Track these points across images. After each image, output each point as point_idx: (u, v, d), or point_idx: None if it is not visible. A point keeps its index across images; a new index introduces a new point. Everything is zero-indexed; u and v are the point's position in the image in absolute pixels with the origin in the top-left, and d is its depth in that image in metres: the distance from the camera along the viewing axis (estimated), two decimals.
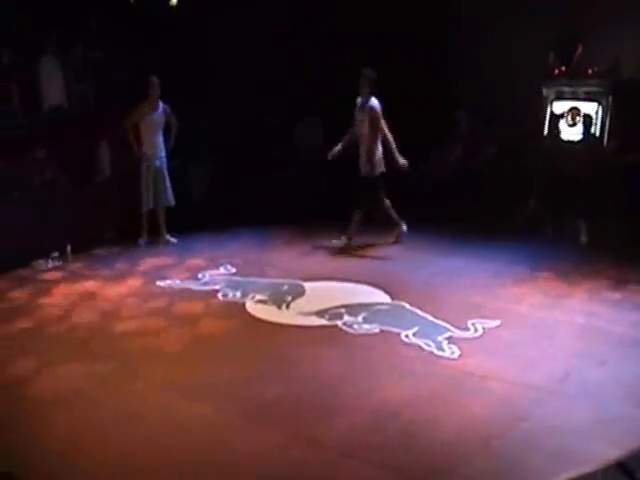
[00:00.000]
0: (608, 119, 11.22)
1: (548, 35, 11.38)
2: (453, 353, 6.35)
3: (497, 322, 6.95)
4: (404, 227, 9.62)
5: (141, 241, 10.04)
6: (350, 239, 9.52)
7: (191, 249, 9.74)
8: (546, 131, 11.60)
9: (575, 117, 11.43)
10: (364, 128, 9.30)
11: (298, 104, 11.60)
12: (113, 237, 10.14)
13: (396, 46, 11.76)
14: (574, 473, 4.57)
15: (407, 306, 7.43)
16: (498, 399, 5.56)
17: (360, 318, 7.15)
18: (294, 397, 5.68)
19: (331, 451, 4.93)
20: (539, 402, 5.52)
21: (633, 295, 7.68)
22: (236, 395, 5.73)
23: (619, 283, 8.00)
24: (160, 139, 9.90)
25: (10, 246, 8.66)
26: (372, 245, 9.66)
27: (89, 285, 8.40)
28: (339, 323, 7.08)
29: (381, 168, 9.36)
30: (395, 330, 6.84)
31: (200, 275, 8.61)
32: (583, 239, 9.77)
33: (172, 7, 12.44)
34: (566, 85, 11.58)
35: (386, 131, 9.37)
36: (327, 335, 6.88)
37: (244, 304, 7.70)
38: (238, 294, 7.97)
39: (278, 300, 7.76)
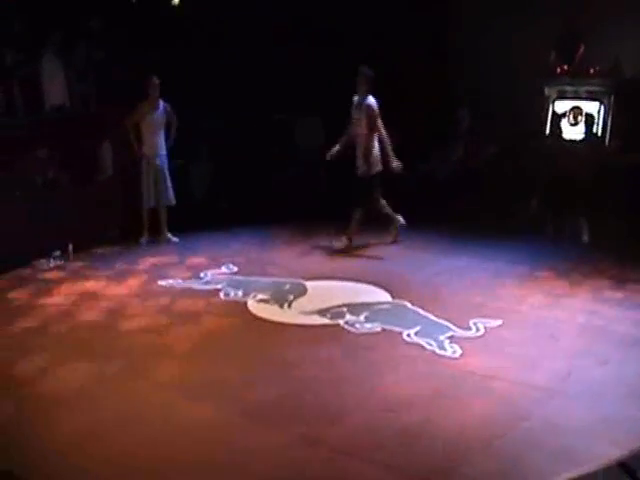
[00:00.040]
0: (610, 118, 11.22)
1: (550, 34, 11.38)
2: (455, 352, 6.35)
3: (499, 321, 6.96)
4: (401, 219, 9.57)
5: (142, 240, 10.05)
6: (351, 239, 9.51)
7: (193, 248, 9.75)
8: (548, 130, 11.60)
9: (577, 116, 11.43)
10: (361, 127, 9.26)
11: (299, 104, 11.60)
12: (115, 236, 10.15)
13: (397, 46, 11.77)
14: (575, 473, 4.57)
15: (409, 305, 7.43)
16: (499, 398, 5.56)
17: (362, 317, 7.15)
18: (295, 396, 5.69)
19: (332, 450, 4.93)
20: (540, 401, 5.52)
21: (635, 294, 7.67)
22: (237, 394, 5.74)
23: (620, 282, 7.99)
24: (161, 138, 9.92)
25: (12, 245, 8.67)
26: (373, 244, 9.66)
27: (91, 284, 8.41)
28: (341, 322, 7.08)
29: (378, 167, 9.32)
30: (397, 329, 6.85)
31: (202, 274, 8.62)
32: (584, 238, 9.77)
33: (174, 7, 12.46)
34: (568, 84, 11.58)
35: (382, 131, 9.30)
36: (329, 334, 6.88)
37: (246, 303, 7.70)
38: (240, 293, 7.97)
39: (280, 299, 7.77)
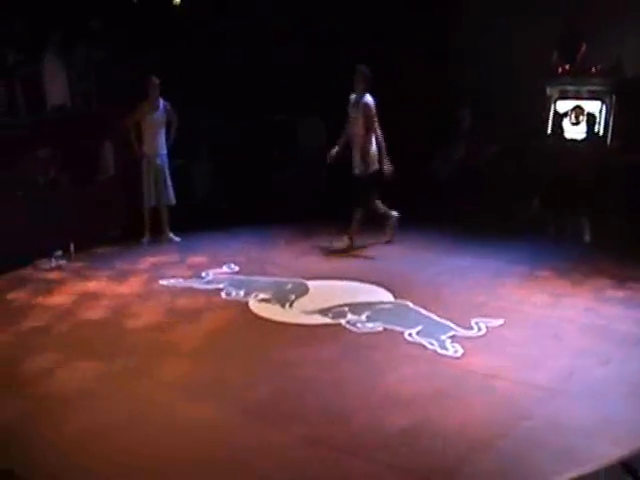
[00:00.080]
0: (612, 118, 11.21)
1: (551, 34, 11.37)
2: (456, 352, 6.35)
3: (500, 321, 6.95)
4: (395, 214, 9.55)
5: (144, 240, 10.06)
6: (352, 238, 9.50)
7: (194, 248, 9.75)
8: (549, 130, 11.59)
9: (579, 116, 11.42)
10: (358, 126, 9.22)
11: (300, 104, 11.60)
12: (116, 236, 10.16)
13: (397, 45, 11.76)
14: (577, 472, 4.57)
15: (410, 305, 7.43)
16: (501, 398, 5.56)
17: (364, 317, 7.15)
18: (297, 396, 5.69)
19: (334, 450, 4.93)
20: (542, 401, 5.52)
21: (636, 293, 7.66)
22: (239, 394, 5.74)
23: (622, 281, 7.98)
24: (161, 138, 9.93)
25: (13, 245, 8.67)
26: (374, 244, 9.65)
27: (92, 284, 8.41)
28: (342, 322, 7.08)
29: (375, 166, 9.28)
30: (399, 329, 6.84)
31: (203, 274, 8.62)
32: (586, 238, 9.77)
33: (175, 7, 12.47)
34: (570, 84, 11.57)
35: (378, 131, 9.26)
36: (331, 334, 6.88)
37: (247, 303, 7.70)
38: (241, 293, 7.97)
39: (281, 299, 7.76)
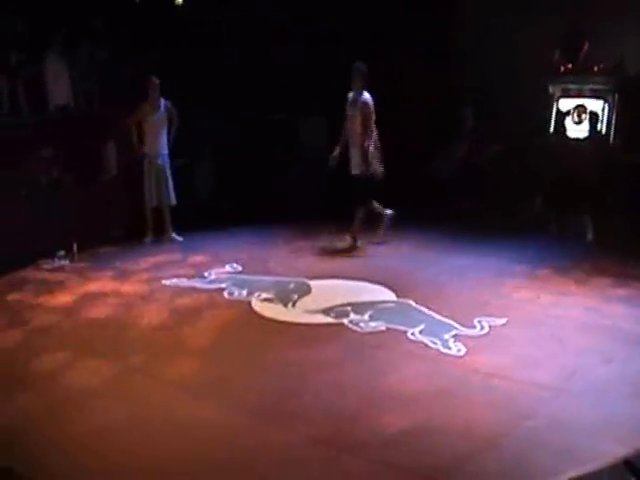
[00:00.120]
0: (614, 116, 11.20)
1: (553, 33, 11.36)
2: (459, 351, 6.35)
3: (503, 320, 6.95)
4: (389, 212, 9.52)
5: (147, 240, 10.08)
6: (355, 238, 9.51)
7: (197, 247, 9.76)
8: (552, 129, 11.58)
9: (581, 114, 11.41)
10: (356, 124, 9.20)
11: (302, 103, 11.60)
12: (119, 236, 10.17)
13: (398, 45, 11.76)
14: (580, 471, 4.57)
15: (413, 304, 7.43)
16: (504, 397, 5.56)
17: (366, 316, 7.15)
18: (299, 395, 5.68)
19: (336, 449, 4.93)
20: (545, 400, 5.52)
21: (639, 292, 7.66)
22: (241, 393, 5.74)
23: (625, 280, 7.99)
24: (163, 138, 9.94)
25: (16, 245, 8.69)
26: (376, 244, 9.65)
27: (95, 284, 8.42)
28: (345, 321, 7.08)
29: (374, 165, 9.26)
30: (401, 328, 6.84)
31: (206, 273, 8.63)
32: (588, 237, 9.76)
33: (177, 7, 12.48)
34: (572, 82, 11.56)
35: (374, 130, 9.23)
36: (333, 333, 6.88)
37: (250, 302, 7.71)
38: (244, 292, 7.98)
39: (284, 298, 7.77)
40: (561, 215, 10.28)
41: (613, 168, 10.15)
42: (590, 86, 11.45)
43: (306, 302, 7.69)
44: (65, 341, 6.82)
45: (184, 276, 8.57)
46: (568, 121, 11.48)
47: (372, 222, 9.60)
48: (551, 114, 11.59)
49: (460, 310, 7.16)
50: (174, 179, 10.07)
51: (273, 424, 5.27)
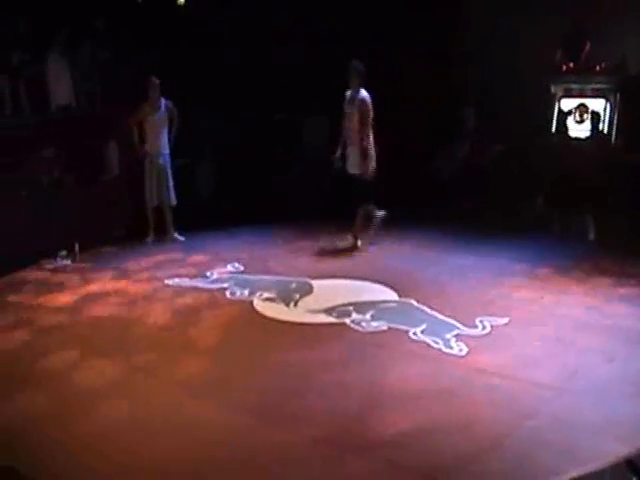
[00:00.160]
0: (616, 116, 11.20)
1: (555, 32, 11.37)
2: (461, 350, 6.34)
3: (505, 319, 6.95)
4: (381, 214, 9.46)
5: (148, 239, 10.09)
6: (357, 238, 9.51)
7: (198, 247, 9.77)
8: (554, 128, 11.58)
9: (583, 114, 11.41)
10: (353, 122, 9.16)
11: (305, 103, 11.61)
12: (121, 236, 10.19)
13: (398, 45, 11.76)
14: (582, 471, 4.56)
15: (415, 303, 7.43)
16: (506, 396, 5.55)
17: (368, 316, 7.15)
18: (301, 395, 5.68)
19: (337, 449, 4.93)
20: (547, 399, 5.51)
21: None
22: (243, 393, 5.74)
23: (626, 279, 7.99)
24: (164, 138, 9.94)
25: (18, 245, 8.70)
26: (378, 243, 9.65)
27: (98, 284, 8.43)
28: (347, 321, 7.08)
29: (374, 164, 9.22)
30: (403, 328, 6.84)
31: (208, 273, 8.64)
32: (590, 236, 9.76)
33: (179, 7, 12.49)
34: (574, 82, 11.57)
35: (370, 129, 9.16)
36: (335, 333, 6.88)
37: (252, 302, 7.71)
38: (246, 292, 7.98)
39: (286, 298, 7.77)
40: (563, 215, 10.28)
41: (615, 168, 10.15)
42: (592, 86, 11.46)
43: (308, 302, 7.69)
44: (68, 341, 6.82)
45: (186, 276, 8.57)
46: (570, 121, 11.49)
47: (364, 222, 9.57)
48: (553, 114, 11.60)
49: (462, 310, 7.16)
50: (175, 179, 10.08)
51: (275, 424, 5.27)
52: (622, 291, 7.69)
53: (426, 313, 7.16)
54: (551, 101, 11.62)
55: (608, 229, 9.65)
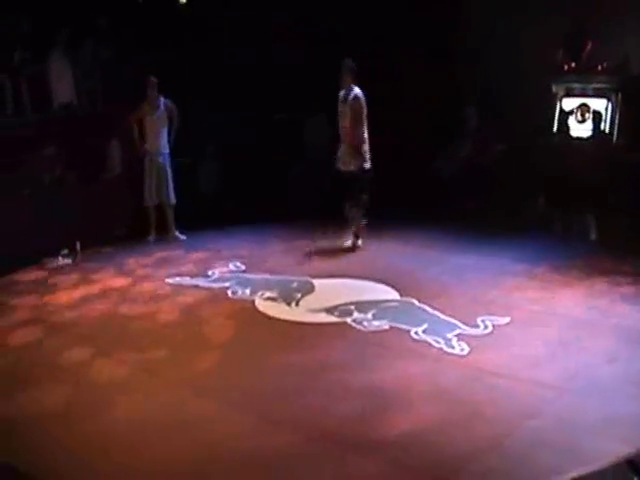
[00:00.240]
0: (617, 115, 11.20)
1: (557, 32, 11.35)
2: (462, 350, 6.34)
3: (506, 319, 6.95)
4: (363, 221, 9.47)
5: (150, 238, 10.09)
6: (358, 237, 9.51)
7: (200, 246, 9.78)
8: (555, 128, 11.58)
9: (584, 113, 11.40)
10: (347, 119, 9.14)
11: (304, 103, 11.60)
12: (122, 234, 10.19)
13: (399, 45, 11.75)
14: (583, 470, 4.57)
15: (416, 303, 7.43)
16: (507, 396, 5.55)
17: (369, 315, 7.15)
18: (302, 394, 5.69)
19: (339, 449, 4.94)
20: (548, 399, 5.51)
21: None
22: (244, 392, 5.75)
23: (628, 279, 7.98)
24: (164, 137, 9.95)
25: (20, 243, 8.70)
26: (379, 243, 9.64)
27: (98, 283, 8.44)
28: (348, 320, 7.08)
29: (368, 162, 9.20)
30: (405, 327, 6.84)
31: (209, 272, 8.64)
32: (591, 236, 9.75)
33: (181, 6, 12.50)
34: (575, 81, 11.55)
35: (365, 128, 9.14)
36: (337, 332, 6.89)
37: (253, 301, 7.71)
38: (247, 291, 7.98)
39: (287, 297, 7.77)
40: (564, 214, 10.28)
41: (616, 167, 10.15)
42: (593, 85, 11.44)
43: (309, 301, 7.69)
44: (70, 341, 6.83)
45: (187, 275, 8.58)
46: (571, 120, 11.48)
47: (345, 225, 9.57)
48: (554, 113, 11.59)
49: (463, 309, 7.16)
50: (176, 178, 10.08)
51: (276, 423, 5.28)
52: (624, 291, 7.69)
53: (427, 312, 7.16)
54: (553, 101, 11.60)
55: (610, 228, 9.65)
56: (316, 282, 8.20)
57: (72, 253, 9.31)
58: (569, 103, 11.57)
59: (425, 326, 6.82)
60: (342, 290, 7.94)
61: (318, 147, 11.46)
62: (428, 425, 5.17)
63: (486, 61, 11.79)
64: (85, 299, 7.90)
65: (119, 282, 8.45)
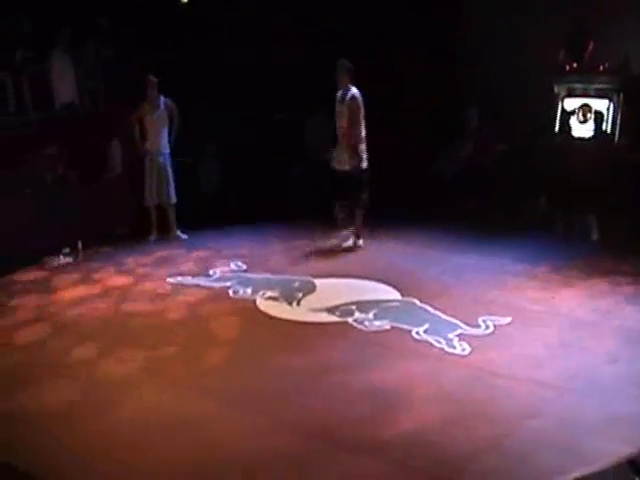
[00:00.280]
0: (619, 116, 11.20)
1: (559, 32, 11.34)
2: (464, 350, 6.35)
3: (507, 319, 6.95)
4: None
5: (151, 237, 10.09)
6: (358, 236, 9.51)
7: (201, 245, 9.78)
8: (557, 128, 11.57)
9: (586, 114, 11.39)
10: (344, 119, 9.13)
11: (305, 103, 11.60)
12: (123, 234, 10.20)
13: (399, 45, 11.75)
14: (585, 471, 4.57)
15: (417, 303, 7.43)
16: (508, 396, 5.56)
17: (371, 315, 7.16)
18: (303, 394, 5.69)
19: (340, 449, 4.94)
20: (549, 399, 5.51)
21: None
22: (245, 393, 5.75)
23: (629, 279, 7.98)
24: (164, 137, 9.94)
25: (21, 242, 8.71)
26: (380, 242, 9.65)
27: (99, 282, 8.44)
28: (350, 320, 7.08)
29: (365, 162, 9.20)
30: (406, 327, 6.85)
31: (211, 271, 8.64)
32: (593, 236, 9.75)
33: (182, 5, 12.50)
34: (577, 82, 11.54)
35: (363, 127, 9.12)
36: (338, 332, 6.89)
37: (255, 301, 7.71)
38: (249, 291, 7.98)
39: (289, 297, 7.77)
40: (566, 215, 10.28)
41: (618, 167, 10.15)
42: (595, 85, 11.43)
43: (311, 300, 7.69)
44: (75, 340, 6.84)
45: (189, 274, 8.58)
46: (573, 120, 11.47)
47: (334, 225, 9.59)
48: (556, 113, 11.58)
49: (464, 309, 7.16)
50: (177, 177, 10.08)
51: (277, 423, 5.28)
52: (625, 291, 7.69)
53: (429, 312, 7.17)
54: (554, 101, 11.59)
55: (611, 229, 9.64)
56: (317, 282, 8.20)
57: (73, 252, 9.32)
58: (571, 103, 11.55)
59: (426, 326, 6.83)
60: (343, 290, 7.94)
61: (318, 147, 11.45)
62: (429, 425, 5.18)
63: (486, 61, 11.79)
64: (87, 298, 7.90)
65: (120, 281, 8.46)
